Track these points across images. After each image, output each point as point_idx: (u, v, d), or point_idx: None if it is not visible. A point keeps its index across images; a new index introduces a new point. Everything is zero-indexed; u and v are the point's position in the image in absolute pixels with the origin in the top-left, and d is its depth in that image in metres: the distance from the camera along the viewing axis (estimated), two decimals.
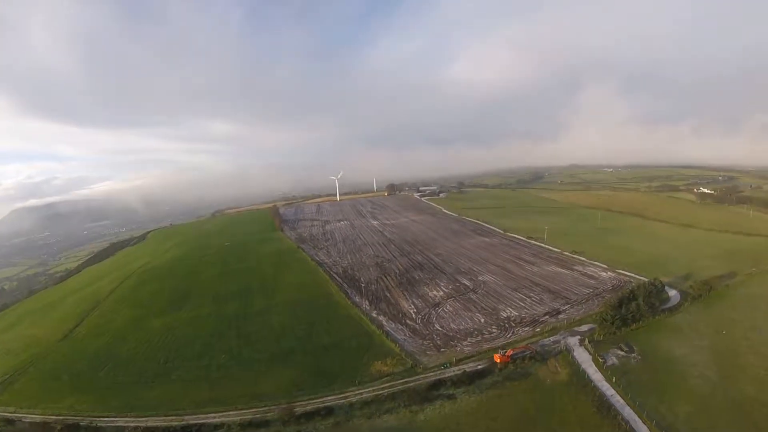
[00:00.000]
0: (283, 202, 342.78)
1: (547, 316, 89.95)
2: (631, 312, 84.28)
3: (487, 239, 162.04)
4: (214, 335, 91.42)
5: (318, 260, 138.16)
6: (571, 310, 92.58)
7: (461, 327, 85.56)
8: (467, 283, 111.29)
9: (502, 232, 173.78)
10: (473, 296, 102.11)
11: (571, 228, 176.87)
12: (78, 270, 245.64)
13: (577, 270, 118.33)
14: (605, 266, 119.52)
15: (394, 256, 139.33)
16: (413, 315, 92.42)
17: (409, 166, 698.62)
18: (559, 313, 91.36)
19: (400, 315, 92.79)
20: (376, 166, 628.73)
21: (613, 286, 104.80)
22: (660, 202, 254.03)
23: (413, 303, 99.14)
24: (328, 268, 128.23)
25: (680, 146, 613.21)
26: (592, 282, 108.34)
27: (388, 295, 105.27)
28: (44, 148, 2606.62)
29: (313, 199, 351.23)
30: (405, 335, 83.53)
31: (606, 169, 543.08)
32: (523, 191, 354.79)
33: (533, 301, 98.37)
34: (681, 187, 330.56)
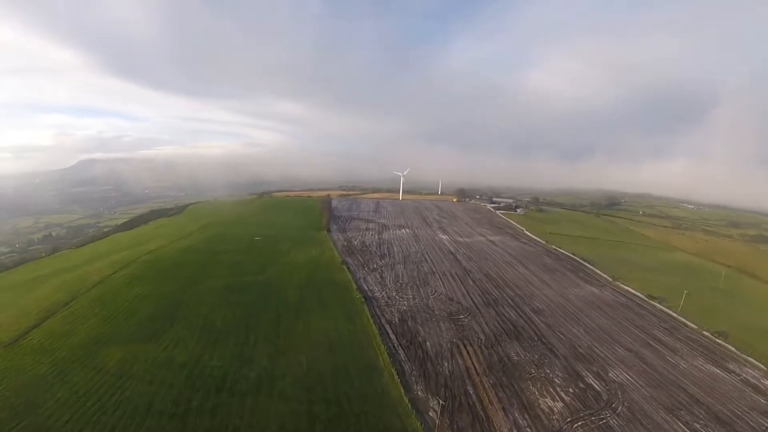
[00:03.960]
0: (339, 192, 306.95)
1: None
2: None
3: (595, 290, 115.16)
4: (174, 416, 53.80)
5: (366, 291, 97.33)
6: None
7: None
8: (595, 384, 66.77)
9: (610, 280, 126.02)
10: (612, 420, 57.89)
11: (688, 286, 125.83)
12: (106, 235, 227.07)
13: (732, 371, 75.71)
14: (764, 368, 77.29)
15: (474, 304, 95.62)
16: None
17: (475, 170, 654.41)
18: None
19: None
20: (441, 166, 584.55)
21: None
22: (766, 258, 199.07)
23: (515, 423, 55.62)
24: (378, 310, 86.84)
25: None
26: (763, 402, 65.98)
27: (471, 391, 61.90)
28: (119, 107, 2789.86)
29: (372, 193, 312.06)
30: None
31: (687, 206, 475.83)
32: (608, 220, 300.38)
33: None
34: None
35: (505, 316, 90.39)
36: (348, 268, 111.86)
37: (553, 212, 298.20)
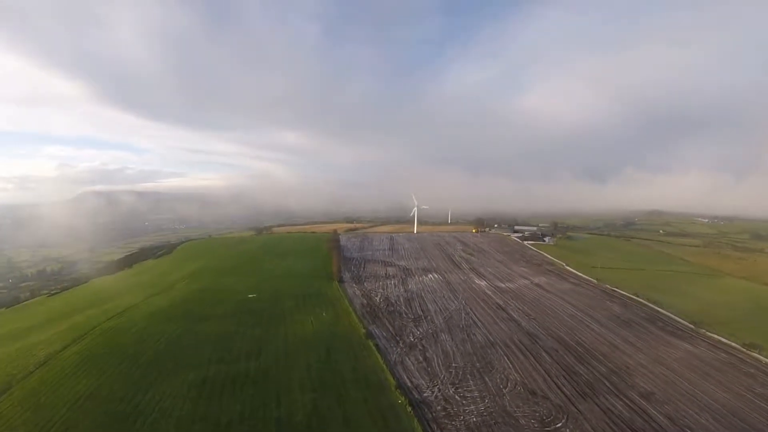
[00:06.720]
0: (345, 226, 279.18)
1: None
2: None
3: (689, 347, 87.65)
4: None
5: (409, 389, 66.20)
6: None
7: None
8: None
9: (692, 327, 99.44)
10: None
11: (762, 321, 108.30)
12: (86, 279, 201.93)
13: None
14: None
15: (566, 396, 65.12)
16: None
17: (484, 195, 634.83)
18: None
19: None
20: (449, 192, 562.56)
21: None
22: None
23: None
24: (437, 427, 55.86)
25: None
26: None
27: None
28: (121, 138, 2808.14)
29: (382, 226, 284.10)
30: None
31: (701, 220, 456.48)
32: (639, 243, 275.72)
33: None
34: None
35: (613, 413, 60.96)
36: (376, 344, 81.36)
37: (581, 239, 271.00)
